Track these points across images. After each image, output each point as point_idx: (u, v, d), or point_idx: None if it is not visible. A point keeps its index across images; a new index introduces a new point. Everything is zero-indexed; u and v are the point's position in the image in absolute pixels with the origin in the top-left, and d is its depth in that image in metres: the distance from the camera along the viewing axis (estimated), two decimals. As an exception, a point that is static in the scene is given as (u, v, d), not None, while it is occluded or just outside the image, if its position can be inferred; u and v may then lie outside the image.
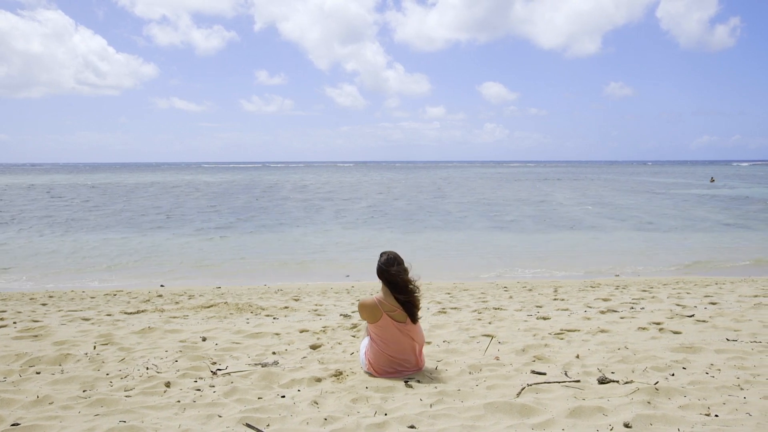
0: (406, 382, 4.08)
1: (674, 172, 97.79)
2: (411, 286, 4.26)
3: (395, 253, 4.35)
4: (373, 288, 10.55)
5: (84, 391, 3.90)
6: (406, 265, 4.32)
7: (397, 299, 4.25)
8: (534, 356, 4.79)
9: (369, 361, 4.33)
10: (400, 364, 4.28)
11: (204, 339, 5.67)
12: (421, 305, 4.37)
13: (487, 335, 5.65)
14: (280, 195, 42.05)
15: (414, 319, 4.29)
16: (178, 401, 3.68)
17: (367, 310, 4.27)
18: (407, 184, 59.73)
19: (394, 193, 43.40)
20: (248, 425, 3.14)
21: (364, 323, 4.73)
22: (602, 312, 7.11)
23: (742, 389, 3.66)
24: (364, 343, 4.49)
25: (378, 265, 4.33)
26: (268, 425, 3.29)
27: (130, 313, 7.71)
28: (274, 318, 7.21)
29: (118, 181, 66.23)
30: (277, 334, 5.92)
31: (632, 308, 7.40)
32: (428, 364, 4.60)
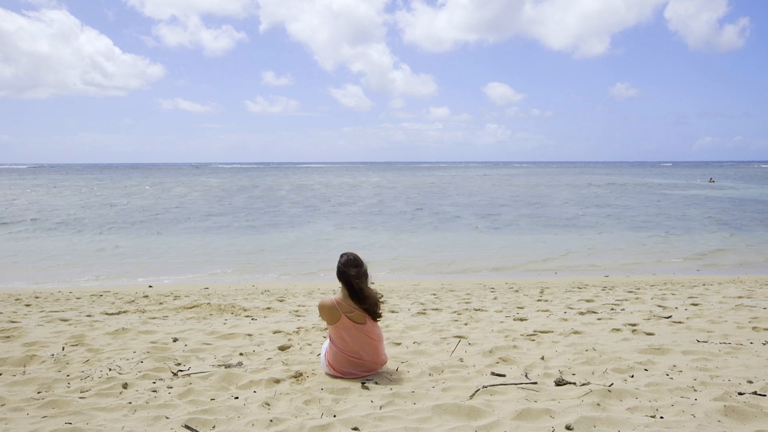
0: (362, 383, 4.05)
1: (677, 173, 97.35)
2: (367, 293, 4.24)
3: (355, 255, 4.35)
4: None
5: (39, 393, 3.89)
6: (365, 267, 4.31)
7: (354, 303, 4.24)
8: (500, 358, 4.75)
9: (329, 362, 4.31)
10: (359, 365, 4.25)
11: (175, 340, 5.67)
12: (381, 305, 4.34)
13: (459, 336, 5.62)
14: (278, 195, 42.15)
15: (375, 318, 4.28)
16: (130, 402, 3.67)
17: (326, 311, 4.25)
18: (407, 185, 59.68)
19: (393, 194, 43.40)
20: (187, 427, 3.13)
21: None
22: (581, 313, 7.06)
23: (695, 391, 3.62)
24: (325, 344, 4.47)
25: (337, 266, 4.32)
26: (213, 427, 3.27)
27: (111, 314, 7.71)
28: (252, 319, 7.20)
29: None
30: (249, 335, 5.91)
31: (612, 309, 7.35)
32: (392, 365, 4.57)
